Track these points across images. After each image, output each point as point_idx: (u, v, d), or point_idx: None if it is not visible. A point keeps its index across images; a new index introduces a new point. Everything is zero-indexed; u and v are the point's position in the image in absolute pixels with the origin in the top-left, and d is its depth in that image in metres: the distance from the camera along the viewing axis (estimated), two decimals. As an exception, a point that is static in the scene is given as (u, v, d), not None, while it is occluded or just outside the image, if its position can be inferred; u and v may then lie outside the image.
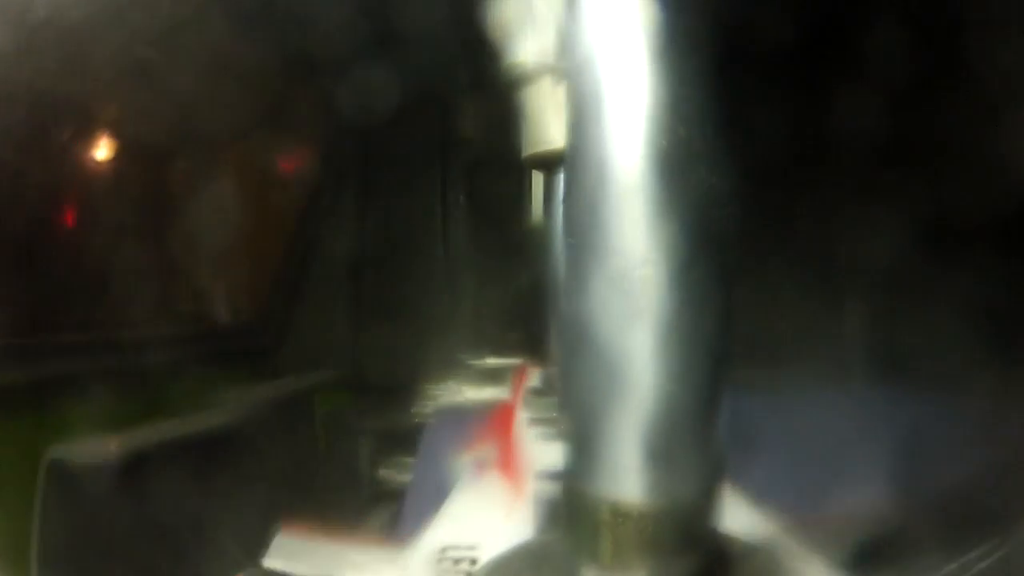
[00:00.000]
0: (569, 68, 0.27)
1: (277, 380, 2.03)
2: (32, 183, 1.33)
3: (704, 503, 0.28)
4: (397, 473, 1.79)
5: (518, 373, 1.45)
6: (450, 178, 2.42)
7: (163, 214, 1.66)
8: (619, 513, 0.27)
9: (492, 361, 2.21)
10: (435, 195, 2.40)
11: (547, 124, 0.72)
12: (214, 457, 1.31)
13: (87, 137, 1.50)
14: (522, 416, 0.94)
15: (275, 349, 2.09)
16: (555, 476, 0.31)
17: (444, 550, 0.48)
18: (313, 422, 2.05)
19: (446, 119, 2.35)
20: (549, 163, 0.81)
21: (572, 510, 0.29)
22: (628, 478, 0.27)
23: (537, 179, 1.21)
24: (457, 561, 0.46)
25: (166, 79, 1.51)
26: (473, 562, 0.45)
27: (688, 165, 0.25)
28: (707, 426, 0.27)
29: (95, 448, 1.11)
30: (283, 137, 2.16)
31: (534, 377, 1.27)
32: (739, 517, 0.48)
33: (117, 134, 1.56)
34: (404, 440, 1.74)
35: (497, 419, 0.97)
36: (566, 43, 0.27)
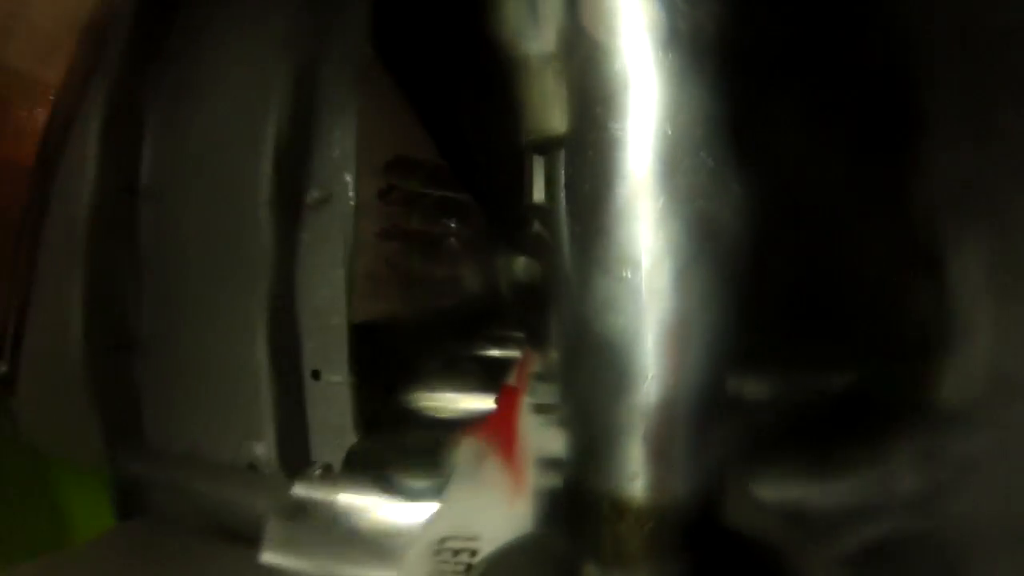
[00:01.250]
0: (571, 62, 0.27)
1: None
2: None
3: (706, 500, 0.28)
4: None
5: (521, 358, 1.45)
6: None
7: None
8: (620, 509, 0.27)
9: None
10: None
11: (549, 110, 0.72)
12: None
13: None
14: (525, 403, 0.93)
15: (12, 384, 1.16)
16: (557, 469, 0.31)
17: (443, 540, 0.48)
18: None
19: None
20: (550, 147, 0.81)
21: (574, 505, 0.29)
22: (630, 475, 0.27)
23: (538, 163, 1.18)
24: (457, 552, 0.46)
25: None
26: (473, 553, 0.45)
27: (693, 157, 0.25)
28: (710, 424, 0.27)
29: None
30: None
31: (536, 362, 1.26)
32: (742, 514, 0.48)
33: None
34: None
35: (500, 405, 0.97)
36: (569, 36, 0.27)
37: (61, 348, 1.08)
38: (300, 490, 0.93)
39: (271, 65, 1.08)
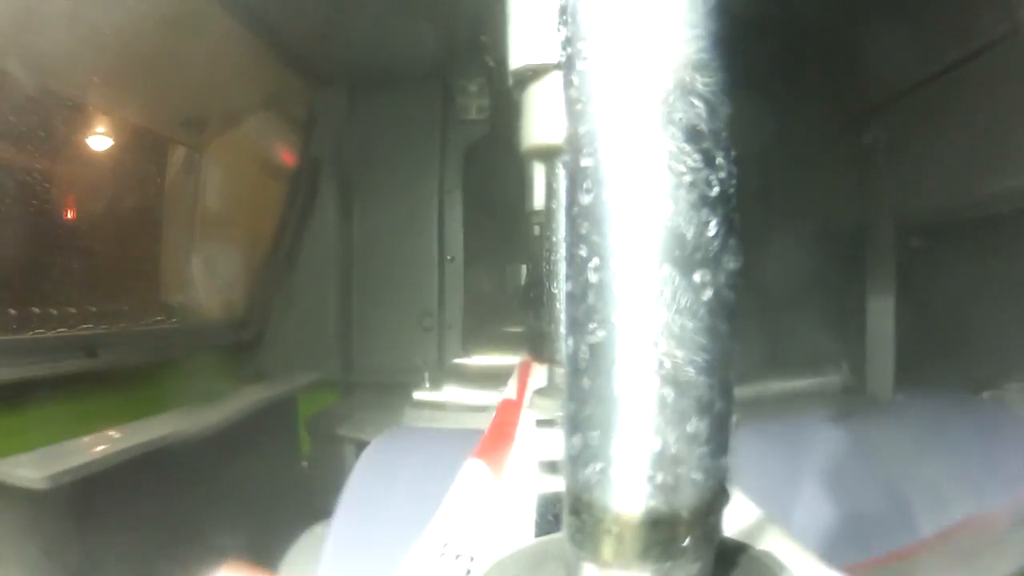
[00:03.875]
0: (567, 68, 0.27)
1: (259, 379, 1.88)
2: (27, 176, 1.34)
3: (707, 507, 0.28)
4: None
5: (522, 370, 1.45)
6: (449, 163, 2.25)
7: (143, 204, 1.70)
8: (621, 519, 0.27)
9: (485, 361, 2.20)
10: (432, 182, 2.24)
11: (548, 119, 0.73)
12: (189, 465, 1.29)
13: (76, 128, 1.49)
14: (527, 415, 0.94)
15: (256, 344, 1.94)
16: (557, 477, 0.31)
17: (446, 544, 0.48)
18: (295, 427, 1.97)
19: (448, 99, 2.21)
20: (549, 155, 0.82)
21: (574, 514, 0.29)
22: (631, 481, 0.27)
23: (539, 170, 1.20)
24: (457, 556, 0.46)
25: (163, 69, 1.51)
26: (472, 559, 0.45)
27: (696, 158, 0.25)
28: (711, 428, 0.27)
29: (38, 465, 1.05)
30: (270, 125, 2.09)
31: (540, 375, 1.26)
32: (743, 520, 0.48)
33: (106, 125, 1.55)
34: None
35: (501, 416, 0.97)
36: (565, 41, 0.27)
37: (317, 313, 2.14)
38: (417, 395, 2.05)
39: (427, 184, 2.26)
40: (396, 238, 2.21)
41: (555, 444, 0.29)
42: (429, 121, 2.17)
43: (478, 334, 2.32)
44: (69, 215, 1.53)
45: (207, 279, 1.80)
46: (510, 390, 1.25)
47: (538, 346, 1.51)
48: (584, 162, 0.27)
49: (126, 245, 1.66)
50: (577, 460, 0.29)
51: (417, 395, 1.98)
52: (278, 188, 2.14)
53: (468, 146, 2.20)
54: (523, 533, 0.51)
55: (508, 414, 0.97)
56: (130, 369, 1.52)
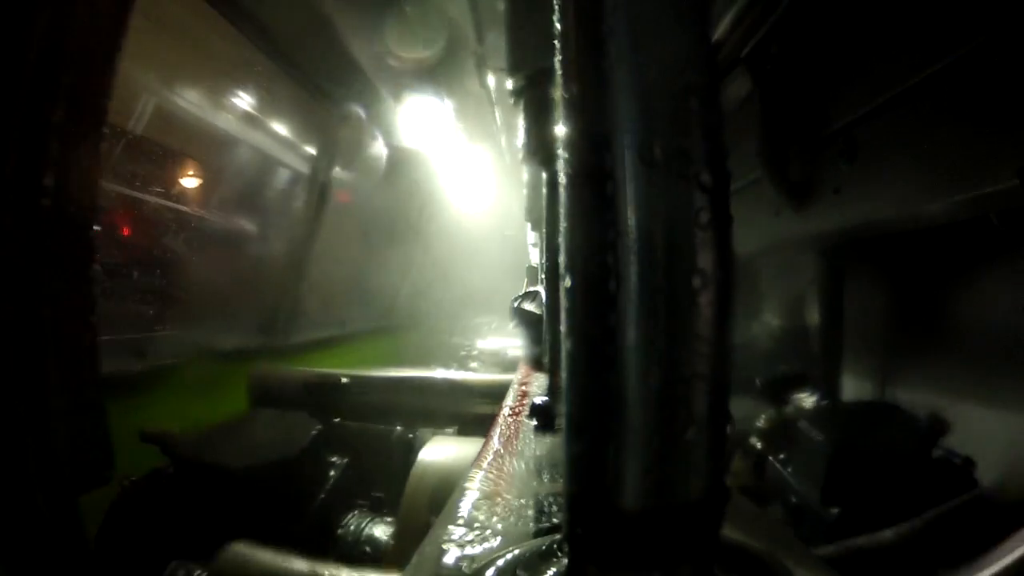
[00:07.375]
0: (565, 69, 0.27)
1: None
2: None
3: (707, 505, 0.28)
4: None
5: (522, 378, 1.45)
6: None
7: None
8: (621, 516, 0.27)
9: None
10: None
11: (548, 122, 0.74)
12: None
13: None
14: (526, 418, 0.94)
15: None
16: (558, 476, 0.31)
17: (446, 544, 0.48)
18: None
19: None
20: (549, 158, 0.82)
21: (573, 512, 0.29)
22: (630, 481, 0.27)
23: (537, 173, 1.20)
24: (459, 557, 0.46)
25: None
26: (472, 560, 0.45)
27: (693, 153, 0.25)
28: (710, 426, 0.27)
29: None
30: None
31: (538, 383, 1.27)
32: (742, 519, 0.48)
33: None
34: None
35: (502, 424, 0.97)
36: (563, 44, 0.27)
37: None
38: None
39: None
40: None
41: (555, 448, 0.28)
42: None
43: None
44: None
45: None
46: (510, 398, 1.24)
47: (536, 354, 1.50)
48: (584, 160, 0.27)
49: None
50: (576, 460, 0.28)
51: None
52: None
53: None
54: (522, 534, 0.50)
55: (509, 422, 0.97)
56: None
